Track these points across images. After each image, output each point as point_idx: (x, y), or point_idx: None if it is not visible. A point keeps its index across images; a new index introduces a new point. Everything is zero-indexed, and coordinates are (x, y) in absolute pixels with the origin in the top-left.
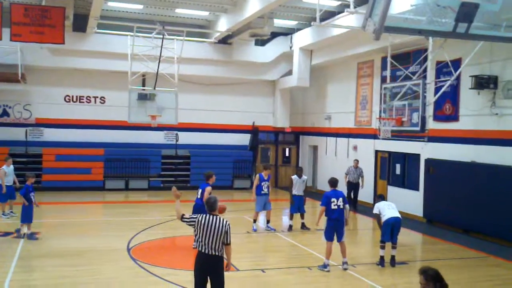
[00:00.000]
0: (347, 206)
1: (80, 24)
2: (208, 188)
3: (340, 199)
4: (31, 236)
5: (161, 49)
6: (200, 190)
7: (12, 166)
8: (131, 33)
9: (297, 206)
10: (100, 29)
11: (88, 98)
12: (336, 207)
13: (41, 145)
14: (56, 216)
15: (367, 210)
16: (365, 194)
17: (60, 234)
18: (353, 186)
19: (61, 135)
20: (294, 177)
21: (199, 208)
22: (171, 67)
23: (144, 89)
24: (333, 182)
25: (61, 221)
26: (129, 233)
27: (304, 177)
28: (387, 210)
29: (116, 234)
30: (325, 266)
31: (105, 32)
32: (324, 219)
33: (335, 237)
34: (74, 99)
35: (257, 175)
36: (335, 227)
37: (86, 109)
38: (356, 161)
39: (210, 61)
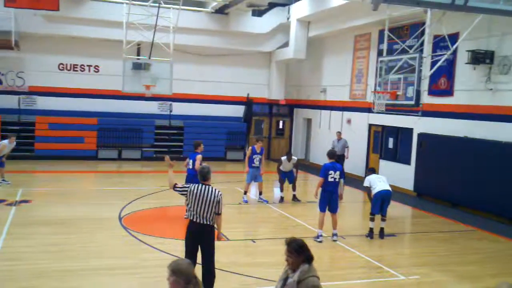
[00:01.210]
0: (342, 180)
1: None
2: (199, 156)
3: (338, 172)
4: None
5: (157, 18)
6: (190, 161)
7: (14, 143)
8: (127, 1)
9: (284, 177)
10: None
11: (82, 66)
12: (332, 179)
13: (34, 113)
14: (48, 185)
15: (358, 183)
16: (357, 167)
17: (51, 202)
18: (339, 158)
19: (54, 104)
20: (284, 159)
21: (191, 178)
22: (167, 37)
23: (138, 59)
24: (332, 154)
25: (53, 190)
26: (121, 203)
27: (294, 158)
28: (378, 183)
29: (108, 203)
30: (317, 236)
31: None
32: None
33: (327, 209)
34: (68, 68)
35: (250, 147)
36: (329, 199)
37: (80, 77)
38: (339, 133)
39: (206, 31)
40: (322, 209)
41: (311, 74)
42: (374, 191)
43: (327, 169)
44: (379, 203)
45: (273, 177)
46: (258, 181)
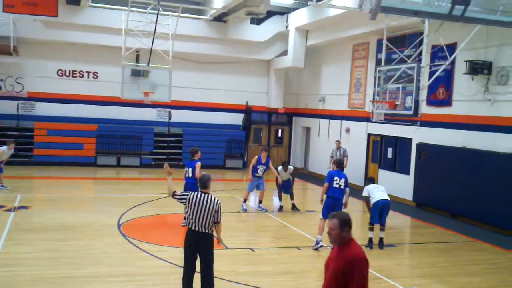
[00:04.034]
0: (347, 189)
1: None
2: (198, 164)
3: (343, 179)
4: None
5: (156, 25)
6: (189, 169)
7: (12, 151)
8: (126, 8)
9: (282, 188)
10: (94, 3)
11: (81, 72)
12: (337, 186)
13: (33, 119)
14: (47, 191)
15: (357, 192)
16: (356, 177)
17: (50, 208)
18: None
19: (53, 110)
20: (280, 169)
21: (190, 187)
22: (166, 44)
23: (137, 65)
24: (339, 163)
25: (51, 196)
26: (120, 210)
27: (291, 168)
28: (376, 192)
29: (106, 210)
30: (317, 243)
31: (99, 6)
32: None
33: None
34: (67, 74)
35: (256, 156)
36: (333, 206)
37: (79, 84)
38: (338, 141)
39: (205, 39)
40: (325, 216)
41: (309, 82)
42: (372, 201)
43: (332, 175)
44: (378, 212)
45: (273, 186)
46: (260, 189)
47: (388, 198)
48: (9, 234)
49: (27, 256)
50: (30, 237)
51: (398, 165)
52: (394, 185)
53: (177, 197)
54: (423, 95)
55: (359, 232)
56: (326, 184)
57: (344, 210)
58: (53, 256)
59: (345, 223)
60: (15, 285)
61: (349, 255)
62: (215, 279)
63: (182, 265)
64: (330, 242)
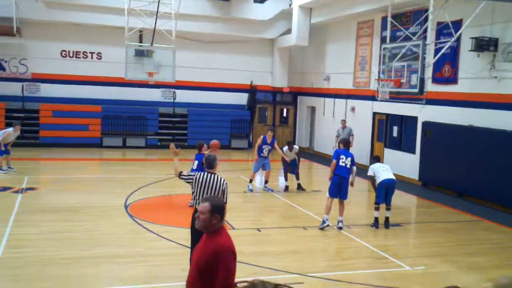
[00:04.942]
0: (354, 168)
1: None
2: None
3: (349, 158)
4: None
5: (158, 4)
6: (196, 162)
7: (18, 132)
8: None
9: (286, 168)
10: None
11: (85, 53)
12: (343, 164)
13: (38, 100)
14: (53, 172)
15: (363, 172)
16: (362, 156)
17: (57, 190)
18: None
19: (58, 91)
20: (285, 149)
21: None
22: (169, 23)
23: (141, 45)
24: (346, 142)
25: (58, 177)
26: (126, 191)
27: (296, 147)
28: (382, 172)
29: (113, 191)
30: (323, 222)
31: None
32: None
33: (337, 197)
34: (71, 55)
35: (261, 136)
36: (339, 184)
37: (83, 64)
38: (344, 121)
39: (208, 18)
40: (332, 195)
41: (314, 61)
42: (378, 180)
43: (339, 154)
44: (384, 192)
45: (278, 166)
46: (266, 169)
47: (393, 177)
48: (17, 215)
49: (34, 237)
50: (37, 219)
51: (403, 144)
52: (399, 164)
53: (184, 177)
54: (429, 73)
55: (366, 212)
56: (334, 161)
57: (350, 188)
58: (61, 237)
59: (217, 209)
60: (23, 266)
61: (215, 245)
62: None
63: (189, 245)
64: (197, 228)
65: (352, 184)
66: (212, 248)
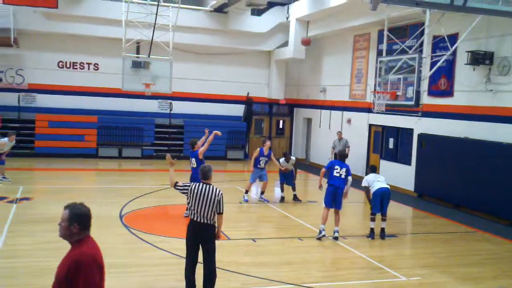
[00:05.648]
0: (350, 178)
1: None
2: (201, 149)
3: (344, 169)
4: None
5: (156, 16)
6: (193, 159)
7: (13, 142)
8: None
9: (283, 180)
10: None
11: (82, 64)
12: (338, 174)
13: (34, 111)
14: (49, 182)
15: (358, 183)
16: (357, 167)
17: (52, 200)
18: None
19: (54, 101)
20: (282, 160)
21: (196, 177)
22: (166, 35)
23: (138, 57)
24: (342, 155)
25: (53, 187)
26: (122, 201)
27: (293, 158)
28: (376, 182)
29: (108, 201)
30: (320, 232)
31: None
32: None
33: (332, 207)
34: (68, 65)
35: (258, 149)
36: (333, 194)
37: (80, 75)
38: (340, 132)
39: (206, 30)
40: (328, 205)
41: (310, 73)
42: (372, 190)
43: (333, 164)
44: (379, 201)
45: (274, 176)
46: (263, 180)
47: (388, 186)
48: (11, 225)
49: (29, 247)
50: (32, 229)
51: (399, 155)
52: (395, 175)
53: (179, 187)
54: (425, 85)
55: (361, 222)
56: (323, 169)
57: (344, 200)
58: (55, 247)
59: (76, 217)
60: (17, 276)
61: (77, 255)
62: (217, 269)
63: (185, 256)
64: (59, 236)
65: (345, 196)
66: (73, 257)
